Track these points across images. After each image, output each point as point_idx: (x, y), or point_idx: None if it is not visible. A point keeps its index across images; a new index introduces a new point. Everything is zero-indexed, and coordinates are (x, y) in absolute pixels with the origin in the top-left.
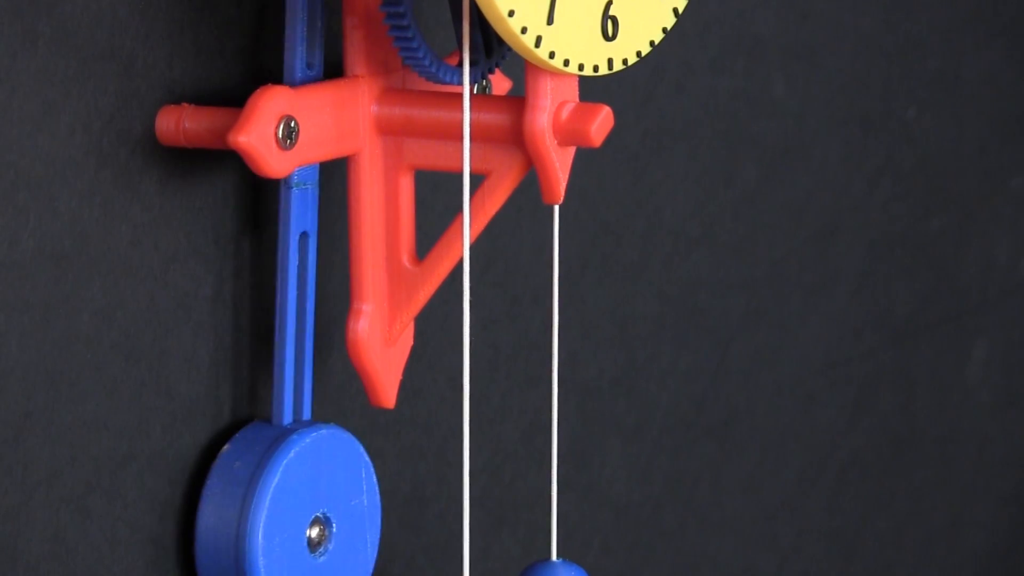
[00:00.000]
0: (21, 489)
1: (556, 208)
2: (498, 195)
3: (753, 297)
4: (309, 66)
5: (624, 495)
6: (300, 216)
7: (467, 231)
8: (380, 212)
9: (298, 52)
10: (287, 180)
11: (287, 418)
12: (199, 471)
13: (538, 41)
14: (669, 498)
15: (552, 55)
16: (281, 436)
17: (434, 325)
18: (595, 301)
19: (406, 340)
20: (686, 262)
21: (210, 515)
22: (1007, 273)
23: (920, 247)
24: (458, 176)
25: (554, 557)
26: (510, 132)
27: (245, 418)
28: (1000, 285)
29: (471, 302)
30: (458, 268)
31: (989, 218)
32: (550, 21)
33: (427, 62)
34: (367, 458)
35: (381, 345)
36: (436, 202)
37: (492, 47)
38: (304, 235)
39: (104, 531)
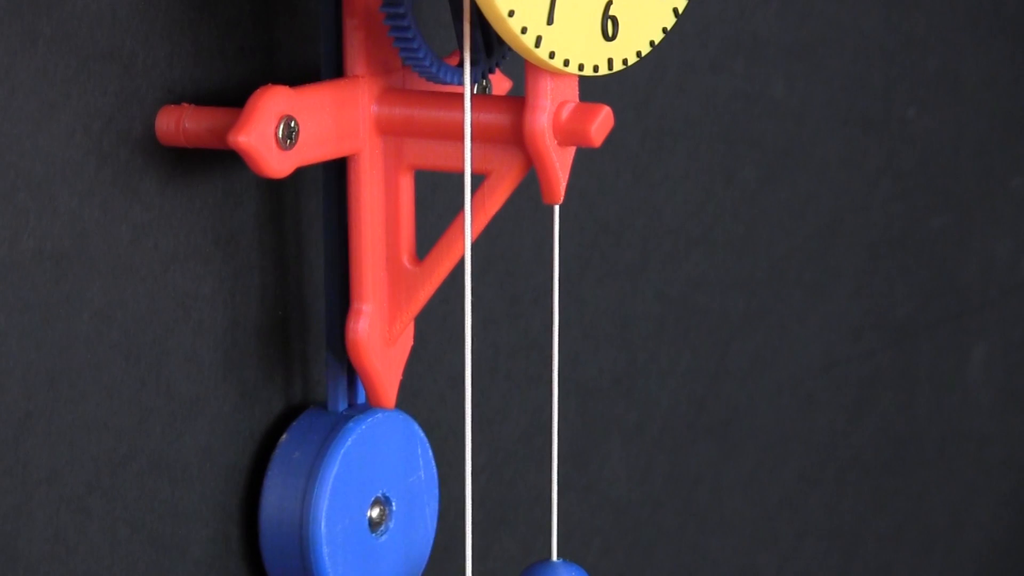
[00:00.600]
0: (21, 489)
1: (556, 208)
2: (498, 195)
3: (753, 297)
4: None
5: (624, 495)
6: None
7: (468, 231)
8: (380, 212)
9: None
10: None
11: (342, 404)
12: (199, 471)
13: (538, 41)
14: (669, 498)
15: (552, 55)
16: (338, 423)
17: (434, 325)
18: (595, 301)
19: (406, 340)
20: (686, 262)
21: (272, 505)
22: (1007, 273)
23: (920, 247)
24: (458, 176)
25: (554, 557)
26: (510, 132)
27: (245, 418)
28: (1000, 285)
29: (471, 302)
30: (458, 268)
31: (989, 218)
32: (550, 21)
33: (427, 62)
34: (422, 434)
35: (381, 345)
36: (436, 202)
37: (492, 47)
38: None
39: (104, 531)
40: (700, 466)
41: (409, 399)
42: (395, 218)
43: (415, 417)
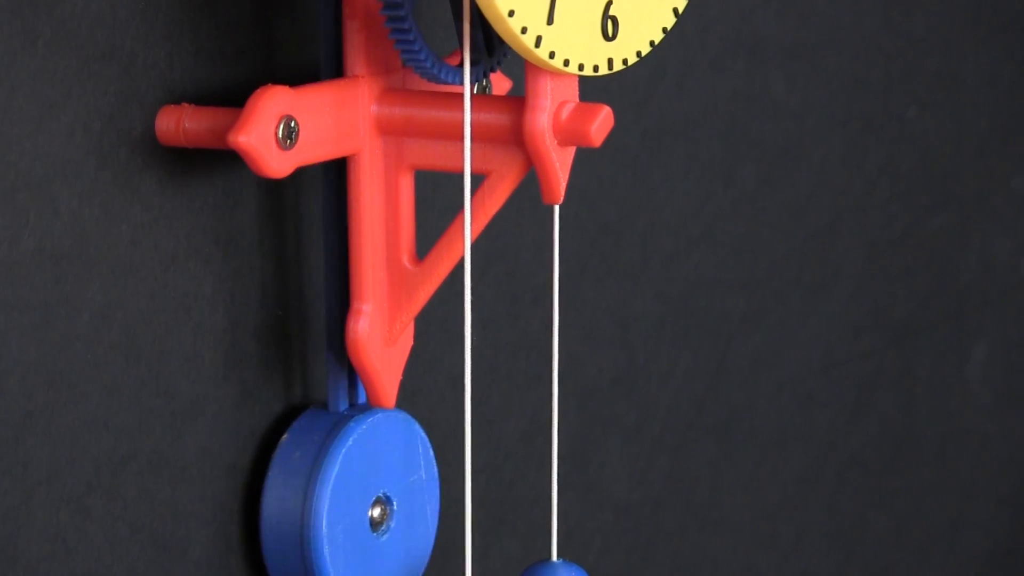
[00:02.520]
0: (21, 489)
1: (556, 208)
2: (498, 195)
3: (753, 297)
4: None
5: (624, 495)
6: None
7: (468, 231)
8: (380, 212)
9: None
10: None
11: (342, 404)
12: (199, 471)
13: (538, 41)
14: (669, 498)
15: (552, 55)
16: (338, 423)
17: (434, 325)
18: (595, 301)
19: (406, 340)
20: (686, 262)
21: (273, 506)
22: (1007, 273)
23: (920, 247)
24: (458, 176)
25: (554, 557)
26: (510, 132)
27: (246, 418)
28: (1000, 285)
29: (471, 302)
30: (458, 268)
31: (989, 218)
32: (550, 21)
33: (427, 62)
34: (423, 434)
35: (381, 345)
36: (436, 202)
37: (493, 47)
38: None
39: (104, 531)
40: (700, 466)
41: (409, 399)
42: (395, 218)
43: (415, 417)
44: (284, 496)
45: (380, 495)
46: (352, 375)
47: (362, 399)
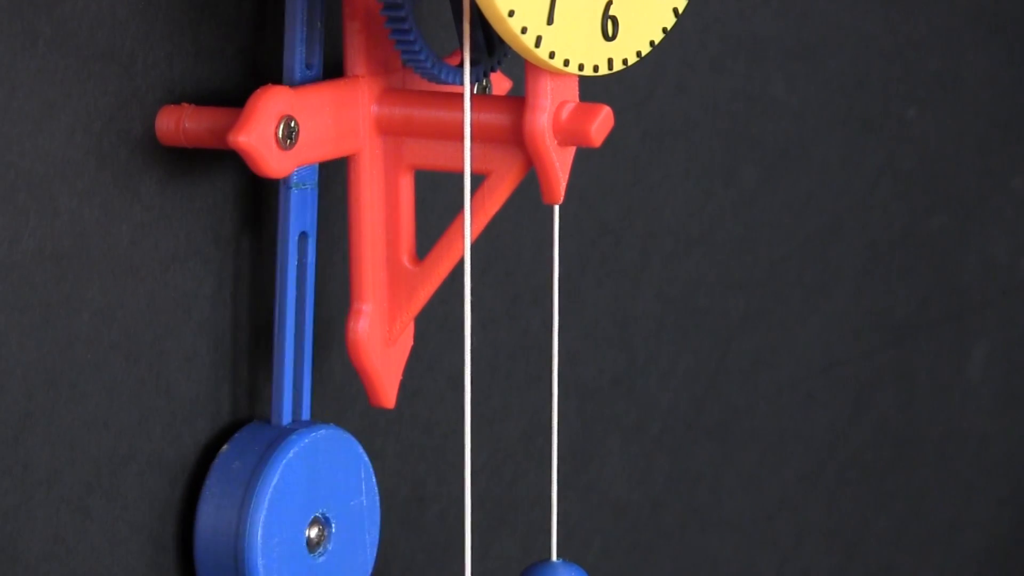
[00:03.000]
0: (21, 489)
1: (556, 208)
2: (498, 195)
3: (753, 297)
4: (308, 66)
5: (624, 495)
6: (299, 216)
7: (467, 231)
8: (380, 212)
9: (297, 52)
10: (286, 180)
11: (286, 418)
12: (199, 471)
13: (538, 41)
14: (669, 498)
15: (552, 55)
16: (280, 436)
17: (434, 325)
18: (595, 301)
19: (406, 340)
20: (686, 262)
21: (209, 515)
22: (1007, 273)
23: (920, 247)
24: (458, 176)
25: (554, 557)
26: (510, 132)
27: (245, 418)
28: (1000, 285)
29: (471, 302)
30: (458, 268)
31: (989, 218)
32: (550, 21)
33: (427, 62)
34: (366, 458)
35: (381, 345)
36: (436, 202)
37: (493, 47)
38: (303, 235)
39: (104, 531)
40: (700, 466)
41: (409, 399)
42: (395, 218)
43: (415, 417)
44: (221, 505)
45: (319, 515)
46: (298, 388)
47: (306, 415)
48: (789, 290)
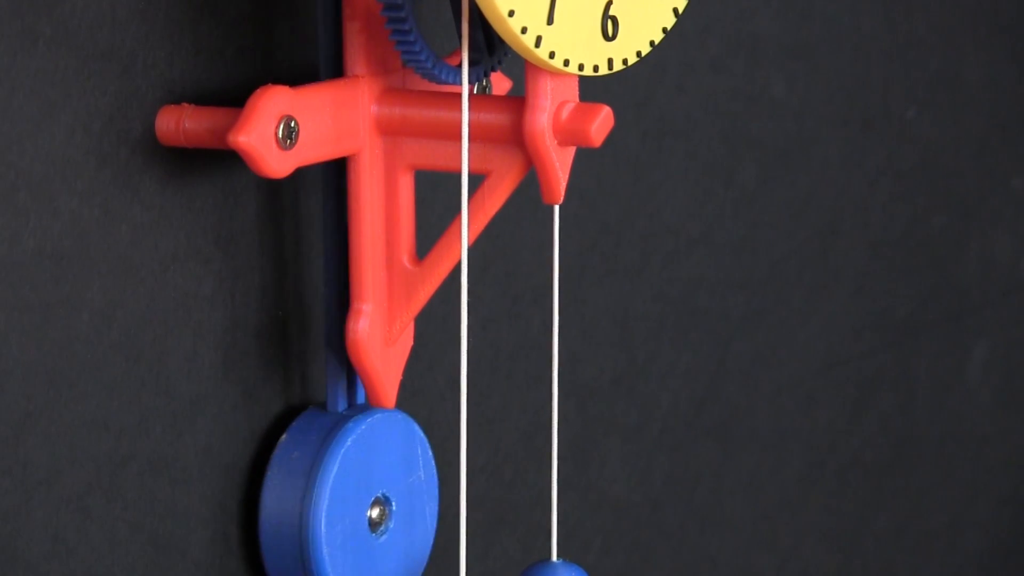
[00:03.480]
0: (21, 489)
1: (556, 208)
2: (498, 195)
3: (753, 297)
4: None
5: (624, 495)
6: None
7: (466, 231)
8: (380, 212)
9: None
10: None
11: (341, 404)
12: (199, 471)
13: (538, 41)
14: (669, 498)
15: (552, 55)
16: (337, 424)
17: (434, 325)
18: (595, 301)
19: (406, 340)
20: (686, 262)
21: (272, 506)
22: (1007, 273)
23: (920, 247)
24: (458, 176)
25: (554, 557)
26: (510, 132)
27: (246, 418)
28: (1000, 285)
29: (471, 302)
30: (458, 268)
31: (989, 218)
32: (550, 21)
33: (427, 62)
34: (422, 434)
35: (381, 345)
36: (436, 202)
37: (494, 47)
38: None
39: (104, 531)
40: (700, 466)
41: (409, 399)
42: (395, 218)
43: (415, 417)
44: (283, 496)
45: (379, 496)
46: (351, 375)
47: (361, 399)
48: (789, 290)
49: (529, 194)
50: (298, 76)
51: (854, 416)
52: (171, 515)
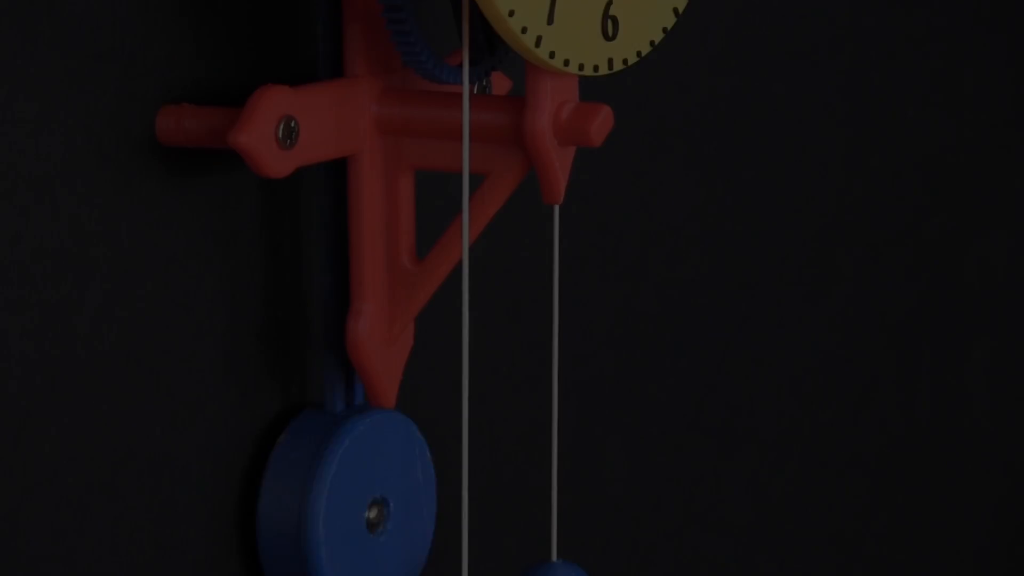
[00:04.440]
0: (21, 489)
1: (556, 208)
2: (498, 195)
3: (753, 297)
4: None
5: (624, 495)
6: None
7: (466, 231)
8: (380, 212)
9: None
10: None
11: (340, 405)
12: (198, 471)
13: (538, 41)
14: (669, 498)
15: (552, 55)
16: (335, 424)
17: (434, 325)
18: (595, 301)
19: (406, 340)
20: (686, 262)
21: (270, 506)
22: (1007, 273)
23: (920, 247)
24: (458, 176)
25: (554, 557)
26: (510, 132)
27: (245, 418)
28: (1000, 285)
29: (471, 302)
30: (458, 268)
31: (989, 218)
32: (550, 21)
33: (427, 62)
34: (420, 436)
35: (381, 345)
36: (436, 202)
37: (494, 46)
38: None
39: (104, 531)
40: (700, 466)
41: (409, 399)
42: (395, 218)
43: (415, 417)
44: (281, 497)
45: (377, 496)
46: (350, 376)
47: (360, 400)
48: (789, 290)
49: (529, 194)
50: (298, 76)
51: (854, 416)
52: (170, 515)
